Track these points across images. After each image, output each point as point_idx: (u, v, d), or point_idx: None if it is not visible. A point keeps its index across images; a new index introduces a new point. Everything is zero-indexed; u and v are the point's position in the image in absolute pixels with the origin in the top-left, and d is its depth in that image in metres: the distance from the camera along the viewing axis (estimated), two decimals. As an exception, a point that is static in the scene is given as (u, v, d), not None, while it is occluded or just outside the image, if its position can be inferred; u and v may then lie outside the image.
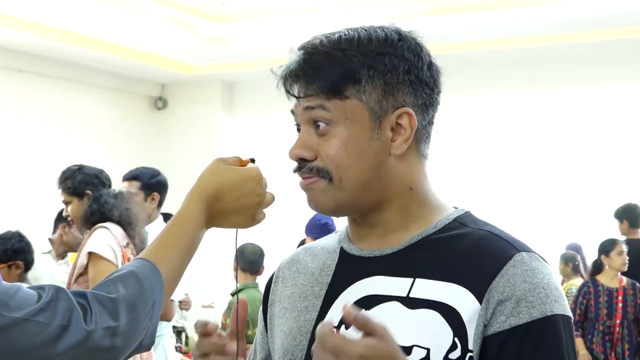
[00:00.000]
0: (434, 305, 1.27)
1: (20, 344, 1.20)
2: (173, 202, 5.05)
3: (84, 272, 3.80)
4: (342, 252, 1.41)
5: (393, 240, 1.36)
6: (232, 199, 1.39)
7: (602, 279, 6.36)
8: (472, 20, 7.46)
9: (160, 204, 4.49)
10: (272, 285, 1.52)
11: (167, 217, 4.46)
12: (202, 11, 7.93)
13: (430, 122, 1.38)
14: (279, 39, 8.01)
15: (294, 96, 1.35)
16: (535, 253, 1.31)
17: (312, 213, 5.85)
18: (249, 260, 5.68)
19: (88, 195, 3.97)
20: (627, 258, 6.29)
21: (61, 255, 5.86)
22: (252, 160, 1.45)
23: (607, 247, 6.39)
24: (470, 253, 1.30)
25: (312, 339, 1.33)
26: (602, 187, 8.20)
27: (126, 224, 3.95)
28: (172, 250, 1.35)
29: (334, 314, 1.34)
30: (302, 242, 6.13)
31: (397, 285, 1.31)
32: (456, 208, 1.40)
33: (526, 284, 1.25)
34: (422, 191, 1.37)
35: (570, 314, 1.29)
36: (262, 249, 5.87)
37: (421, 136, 1.36)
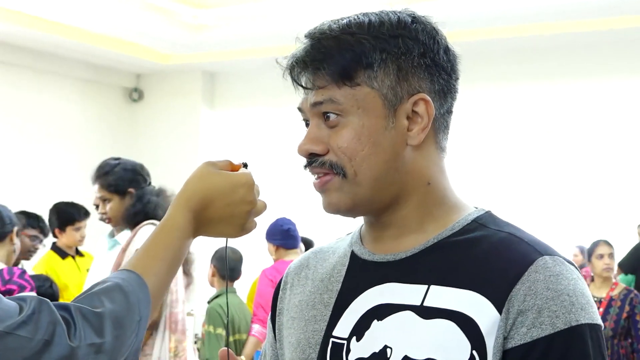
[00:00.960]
0: (450, 315, 1.25)
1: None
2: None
3: None
4: (353, 256, 1.40)
5: (407, 243, 1.35)
6: (221, 207, 1.38)
7: (591, 287, 6.05)
8: (481, 7, 7.47)
9: None
10: (280, 292, 1.51)
11: None
12: (181, -5, 8.10)
13: (449, 111, 1.36)
14: (264, 25, 8.09)
15: (302, 87, 1.34)
16: (560, 256, 1.28)
17: (301, 212, 6.11)
18: (229, 267, 5.71)
19: (131, 194, 3.98)
20: (610, 262, 6.01)
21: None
22: (245, 165, 1.43)
23: (588, 251, 6.18)
24: (489, 257, 1.28)
25: (321, 351, 1.35)
26: (623, 185, 8.24)
27: None
28: (158, 262, 1.34)
29: (345, 325, 1.33)
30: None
31: (410, 293, 1.29)
32: (476, 208, 1.39)
33: (549, 291, 1.23)
34: (440, 187, 1.36)
35: (599, 322, 1.27)
36: (241, 253, 5.89)
37: (439, 125, 1.34)
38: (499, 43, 8.19)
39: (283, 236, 5.72)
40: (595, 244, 6.05)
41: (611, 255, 6.02)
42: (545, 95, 8.53)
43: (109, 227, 4.61)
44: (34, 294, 4.22)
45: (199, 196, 1.37)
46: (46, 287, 4.95)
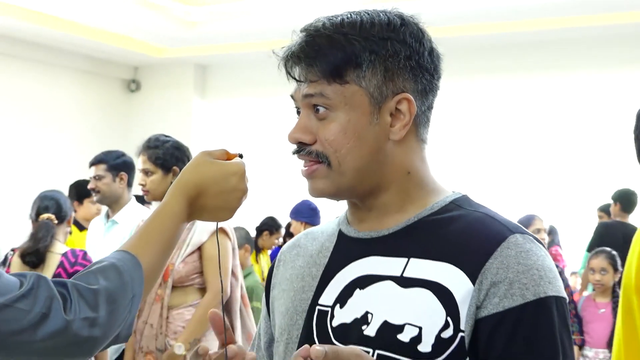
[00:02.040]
0: (427, 285, 1.26)
1: (0, 330, 1.18)
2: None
3: (196, 250, 3.63)
4: (340, 234, 1.41)
5: (390, 222, 1.35)
6: (215, 194, 1.38)
7: None
8: (470, 4, 7.48)
9: (130, 185, 4.39)
10: (274, 269, 1.53)
11: (138, 198, 4.45)
12: (175, -6, 8.00)
13: (430, 107, 1.37)
14: (252, 21, 8.03)
15: (295, 79, 1.33)
16: (530, 234, 1.30)
17: (287, 197, 6.10)
18: (250, 240, 5.76)
19: (175, 172, 3.75)
20: (544, 237, 5.89)
21: None
22: (240, 156, 1.42)
23: (524, 224, 5.93)
24: (464, 234, 1.29)
25: (307, 318, 1.36)
26: (586, 169, 8.33)
27: None
28: (153, 244, 1.34)
29: (330, 294, 1.35)
30: (287, 228, 6.37)
31: (391, 265, 1.30)
32: (454, 192, 1.40)
33: (520, 265, 1.24)
34: (419, 175, 1.36)
35: (565, 295, 1.28)
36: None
37: (420, 121, 1.35)
38: (481, 38, 8.19)
39: (311, 214, 5.89)
40: (531, 218, 5.79)
41: (545, 231, 5.92)
42: (526, 88, 8.54)
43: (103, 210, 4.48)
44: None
45: (194, 184, 1.37)
46: None
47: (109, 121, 9.46)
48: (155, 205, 3.90)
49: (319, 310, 1.35)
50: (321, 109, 1.31)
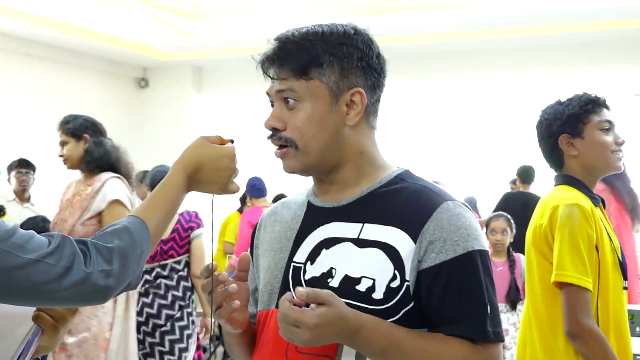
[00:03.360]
0: (378, 245, 1.31)
1: (32, 281, 1.20)
2: (150, 164, 5.32)
3: (95, 215, 3.56)
4: (309, 204, 1.45)
5: (348, 194, 1.39)
6: (209, 171, 1.39)
7: None
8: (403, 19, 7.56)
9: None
10: (257, 232, 1.55)
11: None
12: (176, 9, 8.05)
13: (378, 100, 1.40)
14: (239, 32, 8.26)
15: (270, 77, 1.36)
16: (459, 201, 1.34)
17: (266, 175, 6.41)
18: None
19: (85, 139, 3.65)
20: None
21: (27, 200, 6.13)
22: (232, 141, 1.44)
23: None
24: (407, 203, 1.33)
25: (285, 273, 1.40)
26: (502, 153, 8.65)
27: (129, 177, 3.71)
28: (158, 210, 1.36)
29: (302, 253, 1.39)
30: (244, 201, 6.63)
31: (349, 229, 1.35)
32: (398, 167, 1.43)
33: (451, 226, 1.29)
34: (370, 154, 1.39)
35: (487, 248, 1.32)
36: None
37: (370, 111, 1.38)
38: (427, 47, 8.42)
39: (251, 189, 6.44)
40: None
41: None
42: (456, 87, 8.77)
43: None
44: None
45: (193, 162, 1.38)
46: (40, 227, 4.79)
47: (123, 112, 9.51)
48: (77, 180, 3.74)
49: (294, 266, 1.39)
50: (291, 101, 1.33)
